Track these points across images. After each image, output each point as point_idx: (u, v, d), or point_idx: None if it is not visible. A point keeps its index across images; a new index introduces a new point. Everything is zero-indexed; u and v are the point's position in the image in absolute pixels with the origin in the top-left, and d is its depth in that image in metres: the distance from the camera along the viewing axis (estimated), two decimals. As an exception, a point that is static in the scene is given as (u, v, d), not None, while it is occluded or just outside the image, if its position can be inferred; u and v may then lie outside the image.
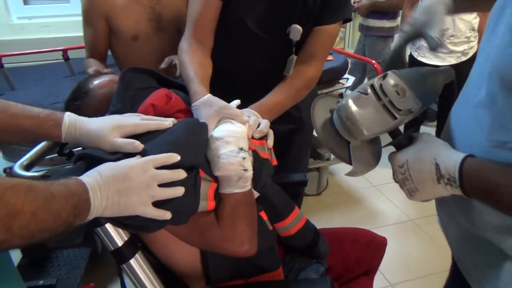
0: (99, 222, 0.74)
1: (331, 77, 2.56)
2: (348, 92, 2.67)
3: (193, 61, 1.08)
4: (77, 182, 0.63)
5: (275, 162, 0.95)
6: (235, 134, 0.84)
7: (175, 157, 0.73)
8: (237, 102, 0.98)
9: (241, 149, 0.82)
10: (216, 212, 0.81)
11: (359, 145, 0.78)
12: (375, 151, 0.82)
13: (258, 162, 0.87)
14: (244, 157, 0.81)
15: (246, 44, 1.24)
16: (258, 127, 0.94)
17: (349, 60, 2.92)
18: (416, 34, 0.83)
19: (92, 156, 0.72)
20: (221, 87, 1.04)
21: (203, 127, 0.84)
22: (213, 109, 0.91)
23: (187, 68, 1.06)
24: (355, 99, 0.73)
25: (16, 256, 1.20)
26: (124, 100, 0.86)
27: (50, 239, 0.58)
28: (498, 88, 0.63)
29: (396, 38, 0.88)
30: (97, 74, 1.01)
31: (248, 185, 0.83)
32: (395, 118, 0.72)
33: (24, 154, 0.88)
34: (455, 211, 0.81)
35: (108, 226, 0.75)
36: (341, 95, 2.16)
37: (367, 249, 1.15)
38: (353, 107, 0.72)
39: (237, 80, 1.27)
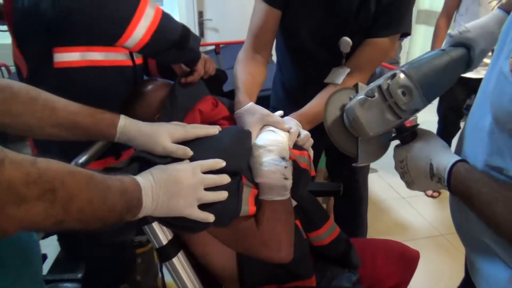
0: (147, 220, 0.78)
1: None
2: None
3: (244, 71, 1.13)
4: (131, 180, 0.68)
5: (313, 173, 0.97)
6: (278, 143, 0.87)
7: (221, 163, 0.77)
8: (280, 112, 1.01)
9: (283, 158, 0.85)
10: (256, 218, 0.84)
11: (367, 140, 0.81)
12: (382, 144, 0.83)
13: (297, 171, 0.89)
14: (285, 166, 0.84)
15: (299, 54, 1.28)
16: (298, 136, 0.97)
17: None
18: (460, 44, 0.84)
19: (145, 158, 0.77)
20: (274, 95, 1.07)
21: (247, 135, 0.87)
22: (256, 116, 0.95)
23: (237, 78, 1.11)
24: (362, 102, 0.74)
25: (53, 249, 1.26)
26: (177, 105, 0.91)
27: (103, 230, 0.62)
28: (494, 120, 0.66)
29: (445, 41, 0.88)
30: (153, 78, 1.06)
31: (287, 194, 0.86)
32: (400, 118, 0.75)
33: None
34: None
35: (155, 225, 0.80)
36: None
37: (399, 262, 1.15)
38: (359, 111, 0.75)
39: (289, 89, 1.30)
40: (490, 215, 0.67)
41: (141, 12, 0.90)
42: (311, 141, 1.01)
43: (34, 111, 0.74)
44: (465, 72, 0.86)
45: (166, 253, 0.82)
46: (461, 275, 0.94)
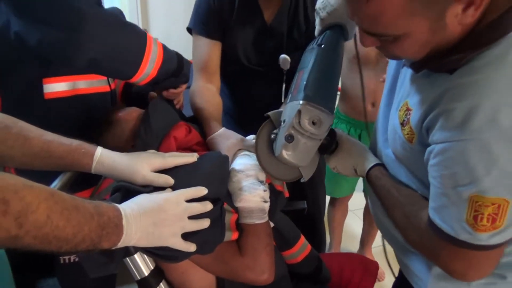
0: (129, 251, 0.76)
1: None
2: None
3: (203, 101, 1.17)
4: (110, 206, 0.65)
5: (287, 194, 1.01)
6: (255, 167, 0.90)
7: (203, 191, 0.78)
8: (252, 136, 1.04)
9: (261, 182, 0.88)
10: (238, 242, 0.85)
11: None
12: (315, 157, 0.91)
13: (274, 194, 0.92)
14: (264, 189, 0.87)
15: (244, 79, 1.35)
16: None
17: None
18: (333, 25, 0.94)
19: (128, 187, 0.76)
20: (233, 120, 1.11)
21: (226, 160, 0.89)
22: (231, 141, 0.97)
23: (199, 109, 1.14)
24: (287, 148, 0.83)
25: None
26: (152, 133, 0.90)
27: (71, 253, 0.59)
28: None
29: (317, 24, 0.98)
30: (120, 107, 1.04)
31: (266, 216, 0.88)
32: (320, 139, 0.85)
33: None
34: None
35: (137, 256, 0.78)
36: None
37: (362, 273, 1.22)
38: (288, 156, 0.83)
39: (244, 113, 1.35)
40: (392, 218, 0.81)
41: (149, 50, 0.93)
42: None
43: (6, 139, 0.71)
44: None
45: (148, 284, 0.80)
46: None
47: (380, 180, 0.84)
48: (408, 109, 0.72)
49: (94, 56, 0.85)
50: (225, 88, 1.36)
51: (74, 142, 0.78)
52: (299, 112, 0.81)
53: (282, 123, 0.85)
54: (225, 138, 0.99)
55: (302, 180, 0.93)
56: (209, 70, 1.26)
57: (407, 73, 0.77)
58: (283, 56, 1.23)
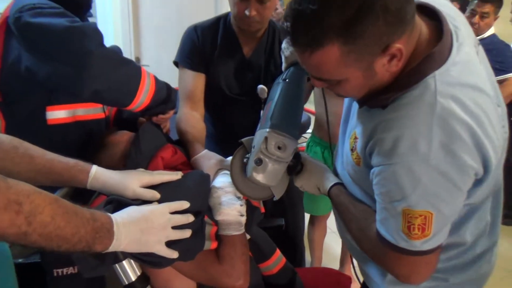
0: (118, 258, 0.86)
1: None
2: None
3: (188, 126, 1.30)
4: (103, 214, 0.76)
5: (263, 210, 1.12)
6: (233, 185, 1.01)
7: (186, 204, 0.89)
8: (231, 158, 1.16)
9: (238, 197, 0.99)
10: (217, 251, 0.95)
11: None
12: (284, 177, 1.02)
13: (250, 209, 1.03)
14: (241, 204, 0.97)
15: (226, 106, 1.49)
16: None
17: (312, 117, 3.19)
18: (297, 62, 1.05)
19: (119, 200, 0.86)
20: (214, 143, 1.23)
21: (207, 178, 1.00)
22: (212, 161, 1.09)
23: (185, 133, 1.27)
24: (256, 170, 0.94)
25: None
26: (141, 154, 1.01)
27: (69, 252, 0.68)
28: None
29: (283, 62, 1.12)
30: (113, 130, 1.15)
31: (243, 228, 0.99)
32: (286, 162, 0.96)
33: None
34: None
35: (125, 262, 0.88)
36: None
37: (336, 286, 1.32)
38: (258, 177, 0.94)
39: (225, 137, 1.47)
40: (349, 231, 0.92)
41: (143, 82, 1.06)
42: None
43: (13, 157, 0.82)
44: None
45: (135, 288, 0.89)
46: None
47: (339, 197, 0.95)
48: (355, 138, 0.85)
49: (98, 89, 0.98)
50: (208, 115, 1.50)
51: (71, 161, 0.89)
52: (266, 138, 0.93)
53: (252, 149, 0.97)
54: (207, 158, 1.11)
55: (274, 199, 1.03)
56: (194, 99, 1.40)
57: (356, 106, 0.90)
58: (260, 86, 1.38)
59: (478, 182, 0.75)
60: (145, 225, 0.80)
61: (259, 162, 0.93)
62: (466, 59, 0.74)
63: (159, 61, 3.48)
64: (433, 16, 0.77)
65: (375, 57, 0.69)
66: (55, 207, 0.65)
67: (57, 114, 1.10)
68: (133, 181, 0.90)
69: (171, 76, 1.35)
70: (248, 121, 1.45)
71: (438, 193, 0.71)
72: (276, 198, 1.03)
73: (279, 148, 0.93)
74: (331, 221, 2.38)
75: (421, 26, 0.74)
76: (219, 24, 1.45)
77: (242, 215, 0.98)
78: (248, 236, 1.05)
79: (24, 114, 1.09)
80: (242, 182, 1.00)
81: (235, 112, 1.50)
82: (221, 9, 3.56)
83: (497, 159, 0.74)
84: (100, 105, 1.16)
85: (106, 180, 0.90)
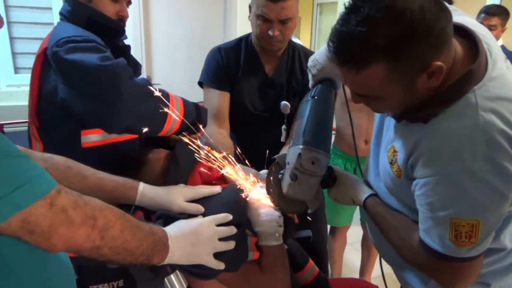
0: (167, 271, 0.89)
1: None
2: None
3: (218, 143, 1.32)
4: (159, 228, 0.80)
5: (296, 220, 1.15)
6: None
7: (229, 216, 0.92)
8: (264, 171, 1.20)
9: (276, 209, 1.02)
10: (259, 263, 0.98)
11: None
12: (317, 192, 1.06)
13: (286, 220, 1.06)
14: (279, 215, 1.01)
15: (251, 123, 1.55)
16: None
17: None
18: (323, 79, 1.10)
19: (168, 215, 0.90)
20: (238, 158, 1.28)
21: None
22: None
23: (215, 150, 1.29)
24: (293, 186, 0.98)
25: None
26: (180, 170, 1.05)
27: (132, 265, 0.71)
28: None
29: (310, 79, 1.15)
30: (148, 149, 1.20)
31: (281, 239, 1.02)
32: (320, 176, 1.00)
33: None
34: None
35: (172, 276, 0.91)
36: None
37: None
38: (295, 193, 0.99)
39: (248, 151, 1.51)
40: (388, 240, 0.95)
41: (172, 109, 1.11)
42: None
43: (68, 176, 0.86)
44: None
45: (182, 301, 0.92)
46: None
47: (375, 208, 0.98)
48: (395, 151, 0.89)
49: (128, 125, 1.03)
50: (232, 132, 1.55)
51: (121, 179, 0.93)
52: (300, 155, 0.97)
53: (287, 165, 1.01)
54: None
55: (309, 212, 1.07)
56: (221, 117, 1.45)
57: (391, 121, 0.93)
58: (283, 102, 1.45)
59: None
60: (195, 238, 0.84)
61: (294, 177, 0.97)
62: (501, 74, 0.79)
63: (170, 80, 3.55)
64: (464, 35, 0.82)
65: (417, 75, 0.74)
66: (123, 221, 0.69)
67: (91, 138, 1.15)
68: (178, 196, 0.94)
69: (182, 94, 1.39)
70: (271, 136, 1.52)
71: (484, 202, 0.74)
72: (311, 211, 1.06)
73: (312, 163, 0.97)
74: (349, 233, 2.42)
75: (456, 44, 0.79)
76: (241, 45, 1.52)
77: (280, 226, 1.01)
78: (285, 247, 1.08)
79: (60, 138, 1.15)
80: (278, 197, 1.04)
81: (259, 129, 1.55)
82: (229, 30, 3.65)
83: None
84: None
85: (153, 196, 0.94)
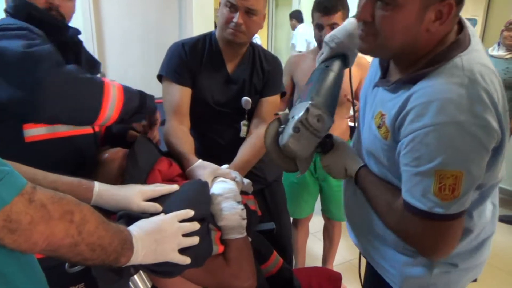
0: (130, 272, 0.87)
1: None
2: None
3: (178, 139, 1.33)
4: (124, 226, 0.79)
5: (259, 213, 1.16)
6: (232, 190, 1.05)
7: (191, 212, 0.91)
8: (226, 166, 1.19)
9: (238, 202, 1.02)
10: (224, 256, 0.98)
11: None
12: (310, 155, 1.06)
13: (249, 213, 1.07)
14: (242, 208, 1.01)
15: (212, 118, 1.54)
16: (243, 183, 1.16)
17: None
18: (338, 53, 1.14)
19: (129, 214, 0.87)
20: (198, 154, 1.27)
21: (206, 186, 1.03)
22: (208, 170, 1.12)
23: (176, 145, 1.30)
24: (293, 137, 0.97)
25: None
26: (139, 169, 1.03)
27: (101, 265, 0.70)
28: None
29: (325, 51, 1.17)
30: (106, 148, 1.15)
31: (245, 232, 1.02)
32: (320, 137, 1.01)
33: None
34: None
35: (136, 276, 0.89)
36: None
37: (328, 283, 1.38)
38: (293, 144, 0.98)
39: (209, 150, 1.51)
40: (375, 206, 0.99)
41: (108, 96, 1.04)
42: (251, 187, 1.21)
43: None
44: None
45: (146, 301, 0.91)
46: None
47: (368, 176, 1.02)
48: (382, 115, 0.93)
49: (51, 112, 0.96)
50: (192, 128, 1.52)
51: (75, 180, 0.89)
52: (307, 110, 0.97)
53: (290, 119, 1.00)
54: (202, 168, 1.13)
55: (297, 175, 1.08)
56: (181, 112, 1.43)
57: (377, 92, 0.99)
58: (245, 98, 1.45)
59: (494, 155, 0.84)
60: (159, 235, 0.83)
61: (297, 130, 0.96)
62: (482, 50, 0.88)
63: (123, 76, 3.45)
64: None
65: (433, 3, 0.79)
66: (96, 217, 0.68)
67: (36, 131, 1.06)
68: (136, 195, 0.92)
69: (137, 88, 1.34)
70: (231, 131, 1.52)
71: (469, 153, 0.79)
72: (301, 174, 1.06)
73: (318, 121, 0.98)
74: (311, 224, 2.47)
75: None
76: (204, 41, 1.51)
77: (243, 219, 1.01)
78: (249, 239, 1.08)
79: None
80: (271, 147, 1.03)
81: (219, 124, 1.54)
82: (185, 29, 3.59)
83: (507, 137, 0.84)
84: None
85: (110, 196, 0.91)
